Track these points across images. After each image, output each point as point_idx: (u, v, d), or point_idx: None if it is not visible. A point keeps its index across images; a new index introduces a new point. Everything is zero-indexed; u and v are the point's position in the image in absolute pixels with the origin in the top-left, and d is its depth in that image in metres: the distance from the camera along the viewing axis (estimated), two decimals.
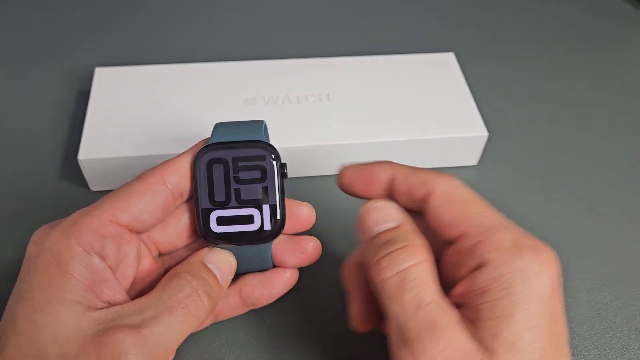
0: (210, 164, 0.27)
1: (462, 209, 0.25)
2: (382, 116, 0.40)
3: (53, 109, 0.44)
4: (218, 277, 0.26)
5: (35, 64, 0.48)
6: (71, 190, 0.39)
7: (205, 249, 0.27)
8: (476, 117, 0.40)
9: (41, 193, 0.38)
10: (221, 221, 0.27)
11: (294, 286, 0.30)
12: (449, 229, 0.25)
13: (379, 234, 0.25)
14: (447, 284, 0.25)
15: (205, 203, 0.27)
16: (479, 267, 0.24)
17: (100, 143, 0.37)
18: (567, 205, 0.40)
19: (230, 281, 0.28)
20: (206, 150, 0.27)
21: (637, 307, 0.34)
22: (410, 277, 0.24)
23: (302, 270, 0.30)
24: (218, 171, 0.27)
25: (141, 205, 0.26)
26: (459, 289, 0.24)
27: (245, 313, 0.30)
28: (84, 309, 0.23)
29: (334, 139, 0.38)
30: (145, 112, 0.39)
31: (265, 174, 0.27)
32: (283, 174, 0.28)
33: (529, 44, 0.53)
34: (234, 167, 0.27)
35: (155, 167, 0.27)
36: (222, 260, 0.27)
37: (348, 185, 0.28)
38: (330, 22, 0.54)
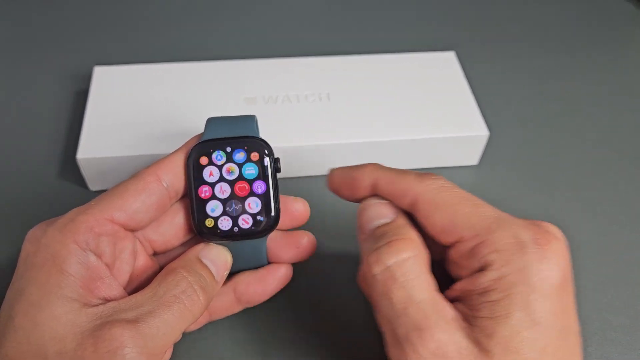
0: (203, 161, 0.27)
1: (451, 213, 0.24)
2: (382, 115, 0.40)
3: (52, 108, 0.44)
4: (213, 272, 0.26)
5: (33, 63, 0.48)
6: (70, 189, 0.38)
7: (201, 245, 0.27)
8: (477, 116, 0.40)
9: (40, 192, 0.38)
10: None
11: (290, 284, 0.30)
12: (443, 236, 0.25)
13: (373, 230, 0.25)
14: (450, 280, 0.25)
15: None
16: (480, 269, 0.23)
17: (99, 142, 0.36)
18: (567, 205, 0.39)
19: (225, 277, 0.28)
20: (199, 148, 0.27)
21: (639, 307, 0.34)
22: (398, 273, 0.23)
23: (298, 269, 0.30)
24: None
25: (137, 204, 0.26)
26: (459, 285, 0.24)
27: (242, 312, 0.30)
28: (81, 305, 0.23)
29: (334, 138, 0.38)
30: (145, 111, 0.39)
31: (258, 170, 0.27)
32: (276, 169, 0.28)
33: (530, 43, 0.53)
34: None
35: (150, 165, 0.27)
36: (218, 256, 0.27)
37: (335, 190, 0.28)
38: (331, 21, 0.54)
